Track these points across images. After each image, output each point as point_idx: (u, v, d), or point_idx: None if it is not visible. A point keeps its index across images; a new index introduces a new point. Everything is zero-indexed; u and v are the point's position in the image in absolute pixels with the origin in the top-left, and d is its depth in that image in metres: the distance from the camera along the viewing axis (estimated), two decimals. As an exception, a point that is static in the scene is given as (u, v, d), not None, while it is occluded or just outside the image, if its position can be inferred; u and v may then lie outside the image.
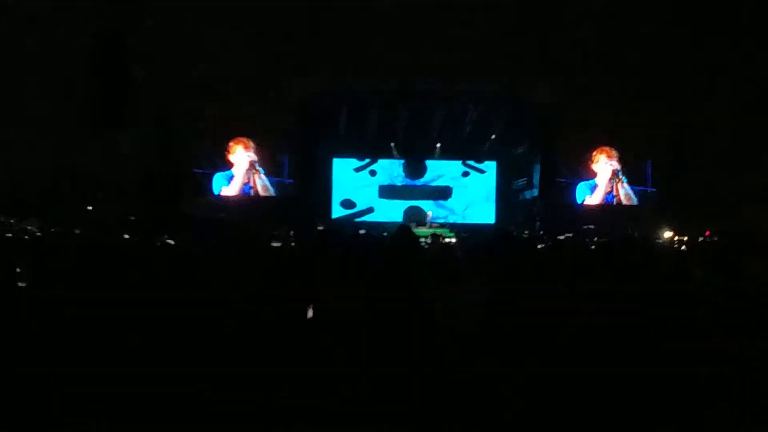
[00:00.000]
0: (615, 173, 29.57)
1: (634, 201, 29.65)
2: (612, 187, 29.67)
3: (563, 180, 29.39)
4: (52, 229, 22.20)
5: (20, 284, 4.91)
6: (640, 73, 25.91)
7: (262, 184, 29.54)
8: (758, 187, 24.94)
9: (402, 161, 32.69)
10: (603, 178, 29.63)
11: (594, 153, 29.57)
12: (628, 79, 26.45)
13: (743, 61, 24.26)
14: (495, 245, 5.65)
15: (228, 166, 29.50)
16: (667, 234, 23.68)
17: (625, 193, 29.72)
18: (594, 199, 29.67)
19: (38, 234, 20.03)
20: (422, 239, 16.29)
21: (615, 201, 29.70)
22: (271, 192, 29.51)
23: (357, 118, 30.16)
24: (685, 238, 21.10)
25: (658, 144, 28.44)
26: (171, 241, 20.09)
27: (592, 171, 29.69)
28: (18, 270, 6.34)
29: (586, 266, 5.59)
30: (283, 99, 28.09)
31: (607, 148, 29.50)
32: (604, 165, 29.64)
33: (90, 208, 36.35)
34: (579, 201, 29.68)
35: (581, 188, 29.72)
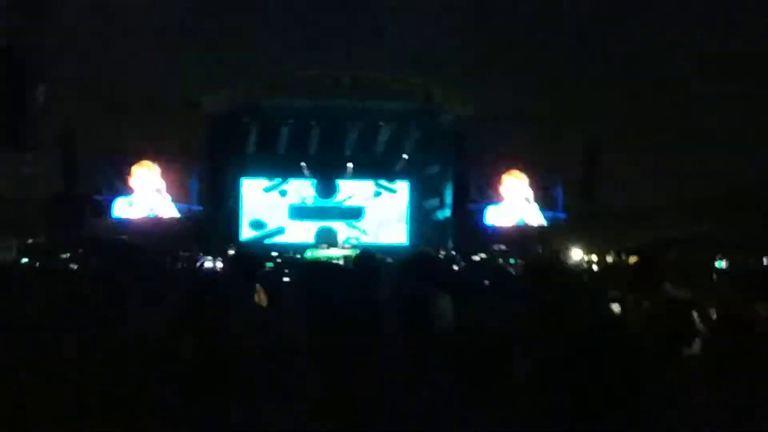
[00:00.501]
0: (525, 200, 29.72)
1: (544, 223, 29.84)
2: (521, 211, 29.81)
3: (473, 204, 29.41)
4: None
5: None
6: (551, 91, 26.12)
7: (166, 211, 28.76)
8: (670, 200, 25.42)
9: (313, 181, 32.23)
10: (512, 202, 29.73)
11: (504, 175, 29.63)
12: (540, 97, 26.65)
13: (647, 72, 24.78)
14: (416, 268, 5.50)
15: (129, 191, 28.56)
16: (577, 254, 23.75)
17: (534, 217, 29.90)
18: (503, 221, 29.75)
19: None
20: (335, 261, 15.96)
21: (524, 223, 29.85)
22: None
23: (267, 137, 29.68)
24: (595, 258, 21.21)
25: (569, 163, 28.66)
26: (74, 266, 19.39)
27: (501, 194, 29.75)
28: None
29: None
30: (191, 117, 27.46)
31: (516, 171, 29.61)
32: (513, 188, 29.75)
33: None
34: (488, 223, 29.73)
35: (491, 212, 29.78)
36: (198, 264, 18.85)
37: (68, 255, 20.27)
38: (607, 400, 2.03)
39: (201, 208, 28.57)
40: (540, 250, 23.75)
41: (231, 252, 20.85)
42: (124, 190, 28.46)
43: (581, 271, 11.19)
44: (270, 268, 13.94)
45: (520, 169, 29.51)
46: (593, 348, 1.96)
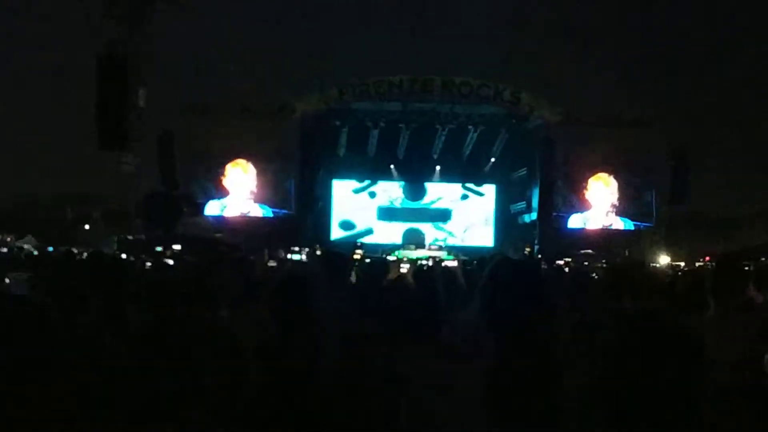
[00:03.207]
0: (612, 206, 29.39)
1: (630, 228, 29.50)
2: (608, 216, 29.49)
3: (557, 213, 29.23)
4: (49, 248, 22.20)
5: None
6: (641, 97, 26.12)
7: (258, 211, 29.33)
8: (759, 208, 25.00)
9: (402, 183, 32.68)
10: (598, 206, 29.44)
11: (590, 180, 29.36)
12: (629, 102, 26.52)
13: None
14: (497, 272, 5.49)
15: (223, 193, 29.39)
16: (665, 260, 23.63)
17: (620, 222, 29.54)
18: (589, 226, 29.49)
19: (33, 252, 20.04)
20: (422, 262, 16.22)
21: (611, 228, 29.52)
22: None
23: (357, 139, 30.19)
24: (683, 264, 21.05)
25: (658, 168, 28.39)
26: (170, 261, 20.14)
27: (587, 202, 29.46)
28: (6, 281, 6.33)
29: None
30: (284, 120, 28.12)
31: (603, 176, 29.33)
32: (600, 193, 29.43)
33: (87, 227, 36.43)
34: (573, 227, 29.54)
35: (576, 217, 29.60)
36: (282, 258, 19.08)
37: (162, 250, 20.96)
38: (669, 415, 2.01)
39: (293, 208, 29.07)
40: (626, 255, 23.58)
41: (318, 252, 20.92)
42: (218, 190, 29.16)
43: (666, 277, 11.29)
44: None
45: (609, 174, 29.26)
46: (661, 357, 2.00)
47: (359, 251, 23.77)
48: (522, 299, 2.54)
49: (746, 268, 6.17)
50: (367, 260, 16.17)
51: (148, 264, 11.21)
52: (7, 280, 6.27)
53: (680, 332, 1.96)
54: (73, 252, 11.48)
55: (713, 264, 11.73)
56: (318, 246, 24.63)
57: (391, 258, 22.84)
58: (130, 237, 26.21)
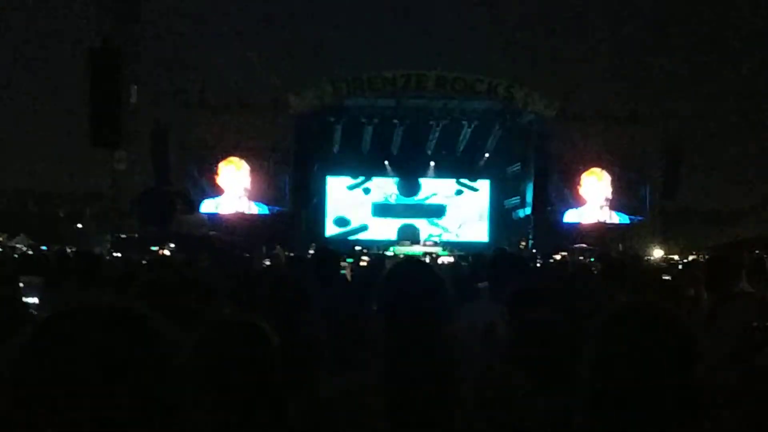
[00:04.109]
0: (606, 200, 29.42)
1: (625, 222, 29.57)
2: (601, 210, 29.52)
3: (552, 208, 29.23)
4: (42, 246, 22.15)
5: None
6: (634, 92, 26.13)
7: (253, 208, 29.25)
8: (751, 201, 25.07)
9: (396, 179, 32.69)
10: (592, 201, 29.48)
11: (584, 175, 29.36)
12: (622, 98, 26.52)
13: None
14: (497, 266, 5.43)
15: (217, 191, 29.29)
16: (658, 253, 23.67)
17: (614, 216, 29.59)
18: (583, 220, 29.52)
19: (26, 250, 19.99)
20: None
21: (605, 222, 29.56)
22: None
23: (351, 136, 30.20)
24: (676, 257, 21.11)
25: (651, 163, 28.44)
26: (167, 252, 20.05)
27: (581, 197, 29.47)
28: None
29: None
30: (278, 116, 28.07)
31: (597, 170, 29.34)
32: (593, 187, 29.44)
33: (80, 226, 36.33)
34: (568, 222, 29.57)
35: (571, 211, 29.63)
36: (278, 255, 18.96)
37: (158, 249, 20.91)
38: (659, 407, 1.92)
39: (287, 204, 29.04)
40: (621, 249, 23.64)
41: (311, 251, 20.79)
42: (212, 187, 29.09)
43: (660, 269, 11.32)
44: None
45: (602, 169, 29.28)
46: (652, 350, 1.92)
47: (357, 247, 23.87)
48: (418, 300, 2.45)
49: (739, 261, 6.21)
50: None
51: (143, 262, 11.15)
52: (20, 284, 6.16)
53: (669, 323, 1.93)
54: (66, 252, 11.36)
55: (707, 257, 11.80)
56: (313, 244, 24.61)
57: (388, 254, 22.80)
58: (123, 235, 26.14)
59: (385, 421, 2.30)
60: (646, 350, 1.84)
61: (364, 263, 12.08)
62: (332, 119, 29.45)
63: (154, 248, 21.13)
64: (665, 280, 8.25)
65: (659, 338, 1.87)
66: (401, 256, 18.59)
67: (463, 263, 12.78)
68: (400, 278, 2.60)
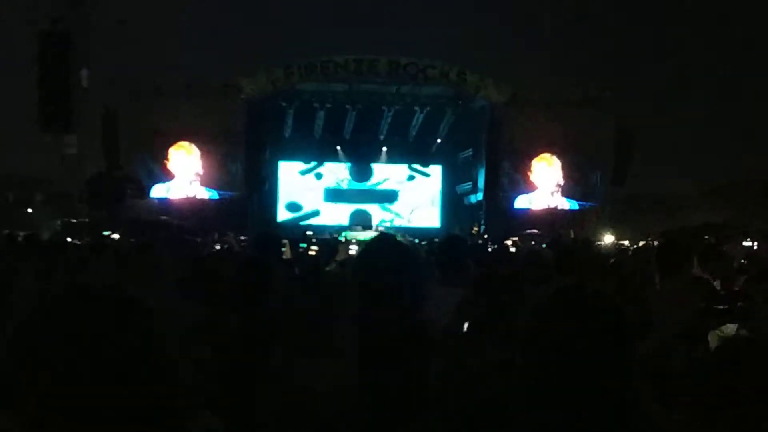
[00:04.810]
0: (558, 186, 29.58)
1: (575, 207, 29.80)
2: (552, 196, 29.69)
3: (503, 193, 29.36)
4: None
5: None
6: (584, 78, 26.33)
7: (204, 193, 28.96)
8: (701, 187, 25.48)
9: (348, 164, 32.67)
10: (543, 186, 29.64)
11: (535, 161, 29.47)
12: (573, 83, 26.69)
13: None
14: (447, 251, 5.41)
15: (168, 176, 28.93)
16: (609, 238, 23.96)
17: (564, 202, 29.78)
18: (535, 206, 29.69)
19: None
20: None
21: (555, 208, 29.77)
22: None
23: (303, 120, 30.08)
24: (627, 242, 21.39)
25: (601, 149, 28.70)
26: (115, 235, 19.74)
27: (532, 183, 29.60)
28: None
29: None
30: (229, 101, 27.82)
31: (548, 156, 29.49)
32: (544, 173, 29.58)
33: (30, 210, 35.73)
34: (519, 207, 29.71)
35: (522, 197, 29.76)
36: (228, 240, 18.84)
37: (109, 234, 20.64)
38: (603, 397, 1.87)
39: (239, 189, 28.82)
40: (572, 235, 23.89)
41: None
42: (163, 172, 28.75)
43: (611, 254, 11.48)
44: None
45: (554, 154, 29.44)
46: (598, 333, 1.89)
47: (309, 232, 23.79)
48: (391, 285, 2.44)
49: (690, 246, 6.33)
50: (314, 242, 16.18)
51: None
52: None
53: (599, 302, 1.94)
54: (14, 235, 11.19)
55: (658, 242, 11.99)
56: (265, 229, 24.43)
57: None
58: (74, 220, 25.77)
59: (362, 407, 2.29)
60: (578, 328, 1.87)
61: (313, 252, 12.00)
62: (284, 104, 29.29)
63: (105, 233, 20.85)
64: (616, 264, 8.38)
65: (590, 316, 1.90)
66: (353, 241, 18.63)
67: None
68: (375, 254, 2.59)
